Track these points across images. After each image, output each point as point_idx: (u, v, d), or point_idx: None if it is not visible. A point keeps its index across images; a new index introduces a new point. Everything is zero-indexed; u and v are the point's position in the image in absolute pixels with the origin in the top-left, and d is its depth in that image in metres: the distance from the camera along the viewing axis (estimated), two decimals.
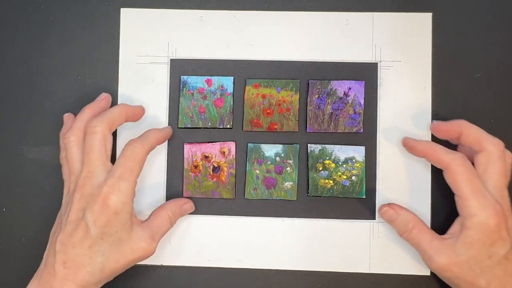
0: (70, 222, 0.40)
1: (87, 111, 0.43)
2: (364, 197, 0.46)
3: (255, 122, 0.47)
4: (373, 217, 0.46)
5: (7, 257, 0.47)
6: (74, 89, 0.48)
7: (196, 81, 0.47)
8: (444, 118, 0.45)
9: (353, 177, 0.46)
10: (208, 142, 0.47)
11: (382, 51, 0.47)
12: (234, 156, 0.47)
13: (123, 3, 0.48)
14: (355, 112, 0.47)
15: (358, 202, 0.46)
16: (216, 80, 0.47)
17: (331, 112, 0.47)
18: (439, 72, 0.47)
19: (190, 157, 0.47)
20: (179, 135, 0.47)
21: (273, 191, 0.47)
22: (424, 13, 0.47)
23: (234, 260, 0.46)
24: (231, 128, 0.47)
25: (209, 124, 0.47)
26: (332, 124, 0.47)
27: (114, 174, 0.40)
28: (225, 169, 0.47)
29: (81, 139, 0.42)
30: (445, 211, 0.45)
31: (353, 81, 0.47)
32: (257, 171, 0.47)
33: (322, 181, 0.46)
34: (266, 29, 0.47)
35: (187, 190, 0.47)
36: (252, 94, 0.47)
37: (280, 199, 0.47)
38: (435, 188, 0.46)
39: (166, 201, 0.46)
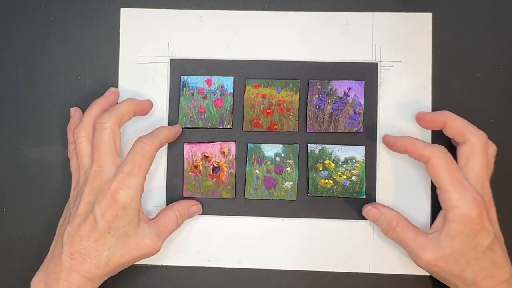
0: (79, 215, 0.41)
1: (96, 106, 0.44)
2: (364, 197, 0.46)
3: (255, 122, 0.47)
4: None
5: (7, 257, 0.47)
6: (74, 89, 0.48)
7: (196, 81, 0.47)
8: None
9: (353, 177, 0.46)
10: (208, 142, 0.47)
11: (382, 51, 0.47)
12: (234, 156, 0.47)
13: (123, 3, 0.48)
14: (355, 112, 0.47)
15: (358, 202, 0.46)
16: (216, 80, 0.47)
17: (331, 112, 0.47)
18: (439, 72, 0.47)
19: (190, 157, 0.47)
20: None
21: (273, 191, 0.47)
22: (424, 13, 0.47)
23: (234, 260, 0.46)
24: (231, 128, 0.47)
25: (209, 124, 0.47)
26: (332, 124, 0.47)
27: (123, 169, 0.41)
28: (225, 169, 0.47)
29: (90, 134, 0.43)
30: None
31: (353, 81, 0.47)
32: (257, 171, 0.47)
33: (322, 181, 0.46)
34: (266, 29, 0.47)
35: (187, 190, 0.47)
36: (252, 94, 0.47)
37: (280, 199, 0.47)
38: (435, 187, 0.46)
39: (165, 201, 0.47)
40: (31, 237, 0.47)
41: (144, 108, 0.45)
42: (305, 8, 0.47)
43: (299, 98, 0.47)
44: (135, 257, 0.42)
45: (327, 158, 0.46)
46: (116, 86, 0.47)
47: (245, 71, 0.47)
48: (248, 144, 0.47)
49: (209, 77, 0.47)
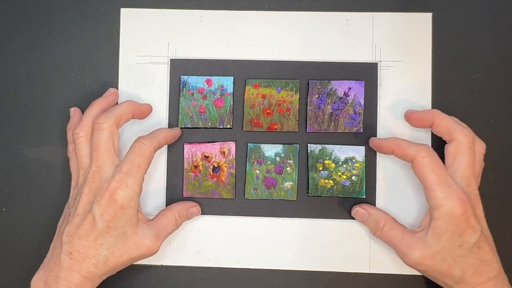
0: (78, 214, 0.41)
1: (95, 107, 0.44)
2: (364, 197, 0.46)
3: (255, 122, 0.47)
4: None
5: (7, 257, 0.47)
6: (74, 89, 0.48)
7: (196, 81, 0.47)
8: None
9: (353, 177, 0.46)
10: (208, 142, 0.47)
11: (382, 51, 0.47)
12: (234, 156, 0.47)
13: (123, 3, 0.48)
14: (355, 112, 0.47)
15: (358, 202, 0.46)
16: (216, 80, 0.47)
17: (331, 112, 0.47)
18: (439, 72, 0.47)
19: (190, 157, 0.47)
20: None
21: (273, 191, 0.47)
22: (424, 13, 0.47)
23: (234, 260, 0.46)
24: (231, 128, 0.47)
25: (209, 124, 0.47)
26: (332, 124, 0.47)
27: (122, 169, 0.41)
28: (225, 169, 0.47)
29: (89, 135, 0.43)
30: None
31: (353, 81, 0.47)
32: (257, 171, 0.47)
33: (322, 181, 0.46)
34: (266, 29, 0.47)
35: (187, 190, 0.47)
36: (252, 94, 0.47)
37: (280, 199, 0.47)
38: None
39: (165, 201, 0.47)
40: (31, 237, 0.47)
41: (143, 111, 0.45)
42: (305, 8, 0.47)
43: (299, 98, 0.47)
44: (134, 257, 0.42)
45: (327, 158, 0.46)
46: (116, 86, 0.47)
47: (245, 71, 0.47)
48: (248, 144, 0.47)
49: (209, 77, 0.47)
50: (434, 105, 0.46)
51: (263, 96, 0.47)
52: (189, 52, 0.47)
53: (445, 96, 0.47)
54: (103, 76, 0.48)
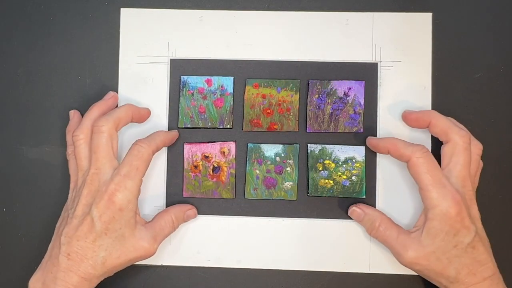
0: (77, 216, 0.41)
1: (95, 110, 0.44)
2: (364, 197, 0.46)
3: (255, 122, 0.47)
4: None
5: (7, 257, 0.47)
6: (74, 89, 0.48)
7: (196, 81, 0.47)
8: None
9: (353, 177, 0.46)
10: (208, 142, 0.47)
11: (382, 51, 0.47)
12: (234, 156, 0.47)
13: (123, 3, 0.48)
14: (355, 112, 0.47)
15: (358, 202, 0.46)
16: (216, 80, 0.47)
17: (331, 112, 0.47)
18: (439, 72, 0.47)
19: (190, 157, 0.47)
20: (179, 135, 0.47)
21: (273, 191, 0.47)
22: (424, 13, 0.47)
23: (234, 260, 0.46)
24: (231, 128, 0.47)
25: (209, 124, 0.47)
26: (332, 124, 0.47)
27: (120, 172, 0.41)
28: (225, 169, 0.47)
29: (89, 137, 0.43)
30: None
31: (353, 81, 0.47)
32: (257, 171, 0.47)
33: (322, 181, 0.46)
34: (266, 29, 0.47)
35: (187, 190, 0.47)
36: (252, 94, 0.47)
37: (280, 199, 0.47)
38: None
39: (165, 201, 0.47)
40: (31, 237, 0.47)
41: (141, 115, 0.46)
42: (305, 8, 0.47)
43: (299, 98, 0.47)
44: (131, 259, 0.42)
45: (327, 158, 0.46)
46: (116, 86, 0.47)
47: (245, 71, 0.47)
48: (248, 144, 0.47)
49: (209, 77, 0.47)
50: (434, 105, 0.46)
51: (263, 96, 0.47)
52: (189, 52, 0.47)
53: (445, 96, 0.47)
54: (103, 76, 0.48)
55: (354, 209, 0.45)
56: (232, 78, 0.47)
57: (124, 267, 0.43)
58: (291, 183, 0.47)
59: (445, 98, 0.47)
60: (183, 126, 0.47)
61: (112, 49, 0.48)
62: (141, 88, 0.47)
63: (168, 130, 0.47)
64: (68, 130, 0.46)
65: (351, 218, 0.46)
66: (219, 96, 0.47)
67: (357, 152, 0.46)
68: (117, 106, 0.47)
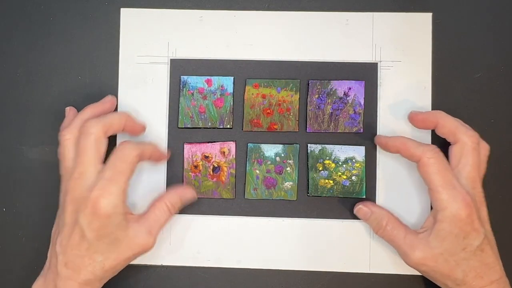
0: (66, 224, 0.41)
1: (88, 111, 0.43)
2: (364, 197, 0.46)
3: (255, 122, 0.47)
4: None
5: (7, 257, 0.47)
6: (74, 89, 0.48)
7: (196, 81, 0.47)
8: None
9: (353, 177, 0.46)
10: (208, 142, 0.47)
11: (382, 51, 0.47)
12: (234, 156, 0.47)
13: (123, 3, 0.48)
14: (355, 112, 0.47)
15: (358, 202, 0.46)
16: (216, 80, 0.47)
17: (331, 112, 0.47)
18: (439, 72, 0.47)
19: (190, 157, 0.47)
20: (179, 135, 0.47)
21: (273, 191, 0.47)
22: (424, 13, 0.47)
23: (234, 260, 0.46)
24: (231, 128, 0.47)
25: (209, 124, 0.47)
26: (332, 124, 0.47)
27: (104, 176, 0.40)
28: (225, 169, 0.47)
29: (77, 138, 0.42)
30: None
31: (353, 81, 0.47)
32: (257, 171, 0.47)
33: (322, 181, 0.46)
34: (266, 29, 0.47)
35: None
36: (252, 94, 0.47)
37: (280, 199, 0.47)
38: None
39: None
40: (31, 237, 0.47)
41: (135, 128, 0.44)
42: (305, 8, 0.47)
43: (299, 98, 0.47)
44: (130, 256, 0.41)
45: (327, 158, 0.46)
46: (116, 86, 0.47)
47: (245, 71, 0.47)
48: (248, 144, 0.47)
49: (209, 77, 0.47)
50: (434, 105, 0.46)
51: (263, 96, 0.47)
52: (189, 52, 0.47)
53: (445, 96, 0.47)
54: (103, 76, 0.47)
55: (361, 207, 0.45)
56: (232, 78, 0.47)
57: (126, 265, 0.42)
58: (291, 183, 0.47)
59: (445, 98, 0.47)
60: (183, 126, 0.47)
61: (112, 49, 0.48)
62: (141, 88, 0.47)
63: (168, 130, 0.47)
64: (61, 127, 0.45)
65: (351, 218, 0.46)
66: (219, 96, 0.47)
67: (357, 152, 0.46)
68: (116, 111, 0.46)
